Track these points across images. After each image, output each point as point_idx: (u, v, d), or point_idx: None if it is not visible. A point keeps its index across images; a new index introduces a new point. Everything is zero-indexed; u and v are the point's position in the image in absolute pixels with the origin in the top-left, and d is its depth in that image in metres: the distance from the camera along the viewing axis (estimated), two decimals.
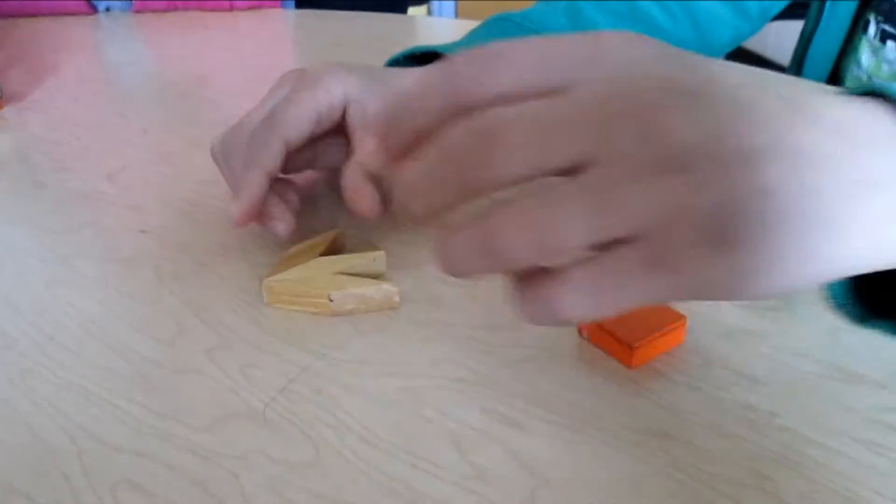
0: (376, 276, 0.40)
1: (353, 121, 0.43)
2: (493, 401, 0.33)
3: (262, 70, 0.70)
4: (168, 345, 0.37)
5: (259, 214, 0.41)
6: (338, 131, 0.43)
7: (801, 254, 0.24)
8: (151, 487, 0.29)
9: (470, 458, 0.30)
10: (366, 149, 0.41)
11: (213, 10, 0.91)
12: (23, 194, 0.51)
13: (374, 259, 0.41)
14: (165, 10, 0.91)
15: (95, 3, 0.91)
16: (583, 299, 0.23)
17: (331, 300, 0.38)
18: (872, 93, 0.27)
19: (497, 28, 0.56)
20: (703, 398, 0.32)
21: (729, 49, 0.68)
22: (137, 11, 0.91)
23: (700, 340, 0.35)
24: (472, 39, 0.54)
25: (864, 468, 0.29)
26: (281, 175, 0.43)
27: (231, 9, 0.92)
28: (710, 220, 0.22)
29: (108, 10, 0.92)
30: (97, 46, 0.82)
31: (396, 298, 0.39)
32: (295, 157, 0.42)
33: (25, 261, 0.43)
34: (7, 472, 0.30)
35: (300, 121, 0.41)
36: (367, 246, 0.44)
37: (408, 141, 0.25)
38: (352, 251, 0.42)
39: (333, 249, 0.42)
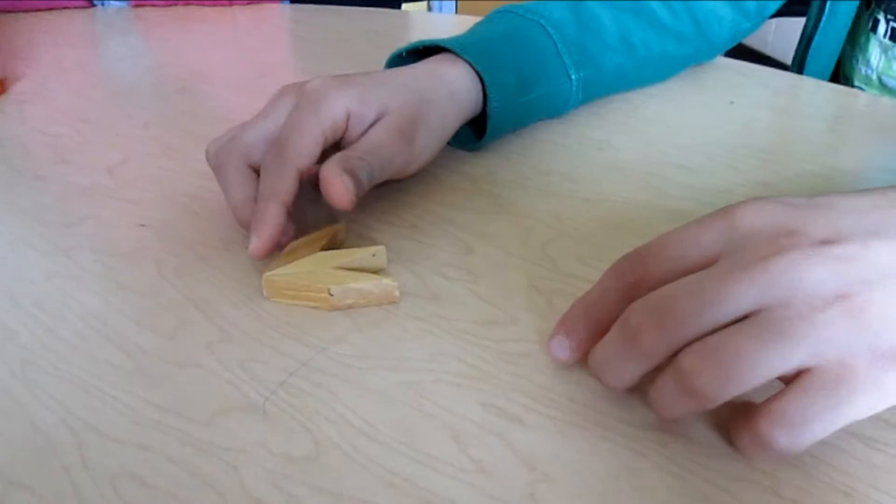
0: (376, 271, 0.40)
1: (352, 132, 0.44)
2: (492, 395, 0.33)
3: (261, 65, 0.70)
4: (168, 338, 0.37)
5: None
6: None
7: None
8: (151, 480, 0.29)
9: (469, 452, 0.30)
10: (342, 152, 0.42)
11: (212, 5, 0.91)
12: (23, 187, 0.51)
13: (373, 254, 0.41)
14: (165, 6, 0.91)
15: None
16: (794, 430, 0.27)
17: (331, 294, 0.38)
18: None
19: (501, 20, 0.56)
20: None
21: (729, 46, 0.68)
22: (136, 6, 0.91)
23: None
24: (476, 32, 0.54)
25: (862, 463, 0.29)
26: None
27: (231, 4, 0.92)
28: (878, 336, 0.26)
29: (103, 4, 0.91)
30: (97, 40, 0.82)
31: (396, 293, 0.39)
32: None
33: (26, 254, 0.43)
34: (7, 463, 0.30)
35: (309, 147, 0.41)
36: (368, 241, 0.44)
37: (594, 332, 0.32)
38: (352, 246, 0.42)
39: (334, 244, 0.42)
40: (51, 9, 0.90)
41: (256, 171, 0.43)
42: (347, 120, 0.44)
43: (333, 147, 0.44)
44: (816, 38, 0.76)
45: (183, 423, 0.32)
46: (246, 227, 0.41)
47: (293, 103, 0.44)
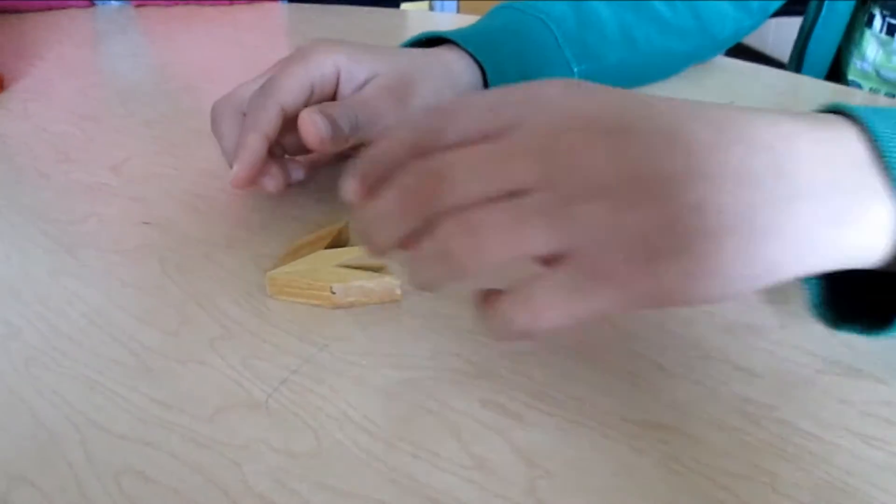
0: (378, 269, 0.40)
1: (345, 89, 0.45)
2: (493, 392, 0.33)
3: (263, 64, 0.70)
4: (171, 335, 0.37)
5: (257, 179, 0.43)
6: None
7: (736, 261, 0.26)
8: (154, 475, 0.29)
9: (470, 449, 0.30)
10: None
11: (213, 4, 0.91)
12: (27, 185, 0.51)
13: None
14: (166, 5, 0.91)
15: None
16: (536, 313, 0.27)
17: (333, 293, 0.38)
18: (837, 110, 0.29)
19: (502, 16, 0.56)
20: (700, 390, 0.33)
21: (732, 43, 0.68)
22: (138, 5, 0.91)
23: (699, 334, 0.36)
24: (478, 26, 0.55)
25: (861, 461, 0.29)
26: (288, 157, 0.46)
27: (231, 3, 0.92)
28: (639, 237, 0.26)
29: (104, 3, 0.92)
30: (99, 39, 0.82)
31: (398, 291, 0.39)
32: (295, 136, 0.42)
33: (30, 251, 0.44)
34: (11, 459, 0.30)
35: (294, 88, 0.43)
36: None
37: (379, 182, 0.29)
38: (356, 244, 0.42)
39: (338, 243, 0.43)
40: (50, 8, 0.90)
41: None
42: (337, 76, 0.45)
43: None
44: (815, 33, 0.76)
45: (186, 419, 0.32)
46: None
47: (288, 57, 0.46)
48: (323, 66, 0.44)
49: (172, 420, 0.32)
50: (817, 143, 0.28)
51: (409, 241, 0.28)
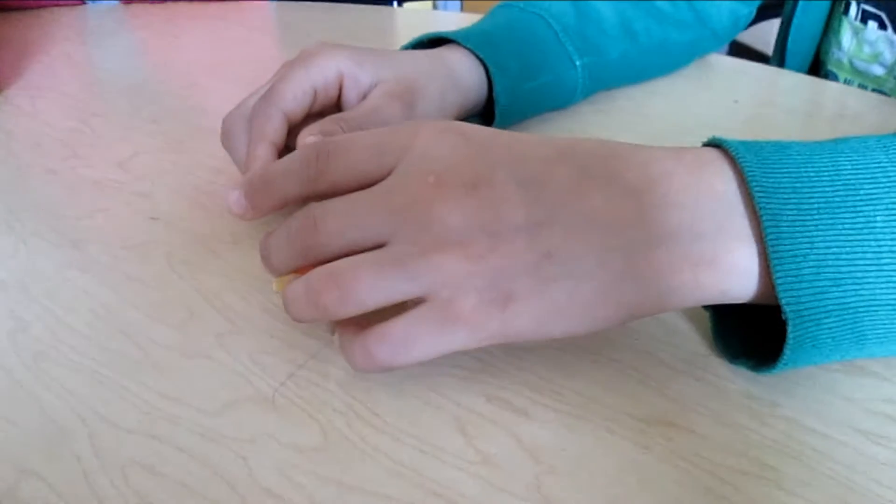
0: None
1: (348, 94, 0.45)
2: (498, 388, 0.33)
3: (259, 61, 0.70)
4: (178, 330, 0.37)
5: None
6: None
7: (592, 303, 0.29)
8: (161, 469, 0.30)
9: (476, 444, 0.30)
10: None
11: (201, 1, 0.91)
12: (34, 180, 0.52)
13: None
14: (153, 3, 0.91)
15: None
16: (394, 349, 0.29)
17: None
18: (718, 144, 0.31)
19: (502, 14, 0.56)
20: (705, 387, 0.33)
21: (733, 33, 0.68)
22: (126, 2, 0.91)
23: (704, 330, 0.36)
24: (478, 25, 0.55)
25: (865, 458, 0.29)
26: None
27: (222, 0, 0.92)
28: (490, 283, 0.28)
29: (94, 1, 0.91)
30: (97, 36, 0.83)
31: None
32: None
33: (37, 246, 0.44)
34: (20, 453, 0.30)
35: (294, 92, 0.43)
36: None
37: (269, 205, 0.34)
38: None
39: None
40: (42, 6, 0.90)
41: None
42: (341, 81, 0.45)
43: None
44: (794, 23, 0.76)
45: (193, 413, 0.32)
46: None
47: (288, 66, 0.45)
48: (326, 71, 0.44)
49: (179, 414, 0.32)
50: (686, 187, 0.29)
51: (300, 269, 0.32)
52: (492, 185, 0.29)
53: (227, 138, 0.45)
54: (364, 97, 0.45)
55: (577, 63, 0.56)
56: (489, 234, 0.28)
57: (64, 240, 0.45)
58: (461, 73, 0.50)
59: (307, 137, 0.40)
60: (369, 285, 0.29)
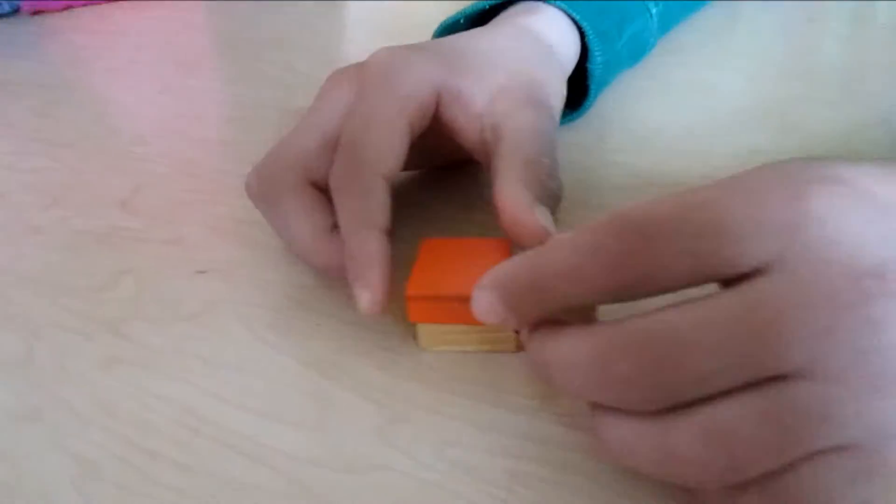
0: None
1: (449, 114, 0.33)
2: None
3: (213, 62, 0.58)
4: (319, 434, 0.26)
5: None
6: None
7: None
8: None
9: None
10: (505, 160, 0.30)
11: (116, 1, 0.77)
12: (18, 245, 0.39)
13: None
14: (62, 10, 0.76)
15: None
16: None
17: (517, 330, 0.28)
18: None
19: None
20: None
21: None
22: (35, 13, 0.75)
23: None
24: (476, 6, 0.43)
25: None
26: None
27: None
28: None
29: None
30: (23, 51, 0.68)
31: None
32: None
33: (62, 342, 0.32)
34: None
35: (392, 144, 0.30)
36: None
37: (539, 316, 0.22)
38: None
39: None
40: None
41: (322, 191, 0.32)
42: (437, 99, 0.33)
43: (424, 141, 0.33)
44: None
45: None
46: (330, 271, 0.30)
47: (354, 90, 0.32)
48: (420, 94, 0.31)
49: None
50: None
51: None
52: None
53: (271, 205, 0.32)
54: (468, 113, 0.33)
55: (653, 11, 0.46)
56: None
57: (92, 323, 0.33)
58: (558, 43, 0.39)
59: (511, 195, 0.28)
60: (766, 447, 0.19)
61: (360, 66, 0.33)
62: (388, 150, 0.30)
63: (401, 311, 0.29)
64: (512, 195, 0.28)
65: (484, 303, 0.23)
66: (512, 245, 0.30)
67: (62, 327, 0.33)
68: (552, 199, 0.30)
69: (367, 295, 0.27)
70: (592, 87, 0.41)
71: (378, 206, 0.29)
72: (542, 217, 0.28)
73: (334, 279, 0.32)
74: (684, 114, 0.44)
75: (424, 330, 0.29)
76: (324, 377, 0.28)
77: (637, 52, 0.47)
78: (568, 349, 0.21)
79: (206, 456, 0.26)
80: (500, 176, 0.30)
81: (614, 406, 0.21)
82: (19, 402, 0.29)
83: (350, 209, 0.29)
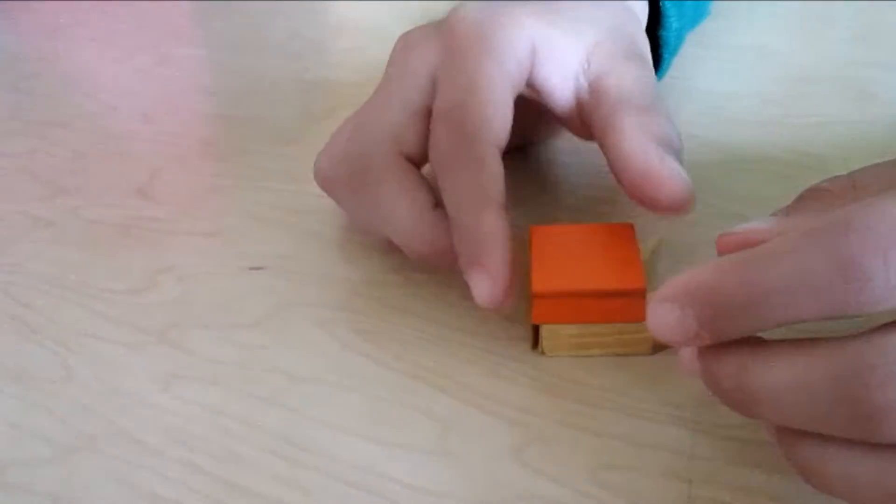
0: None
1: (547, 71, 0.29)
2: None
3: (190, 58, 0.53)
4: (443, 458, 0.22)
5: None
6: None
7: None
8: None
9: None
10: (617, 112, 0.27)
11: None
12: (26, 243, 0.33)
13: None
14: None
15: None
16: None
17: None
18: None
19: None
20: None
21: None
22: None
23: None
24: None
25: None
26: None
27: None
28: None
29: None
30: (4, 21, 0.61)
31: None
32: None
33: (102, 354, 0.27)
34: None
35: (502, 109, 0.26)
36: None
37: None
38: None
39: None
40: None
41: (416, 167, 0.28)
42: (532, 58, 0.29)
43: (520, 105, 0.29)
44: None
45: None
46: (439, 258, 0.26)
47: (439, 52, 0.28)
48: (518, 51, 0.27)
49: None
50: None
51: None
52: None
53: (358, 190, 0.28)
54: (564, 71, 0.29)
55: None
56: None
57: (137, 332, 0.28)
58: (632, 6, 0.35)
59: (641, 147, 0.25)
60: None
61: (441, 25, 0.29)
62: (496, 116, 0.26)
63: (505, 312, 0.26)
64: (637, 145, 0.25)
65: (670, 318, 0.19)
66: (635, 228, 0.26)
67: (101, 338, 0.28)
68: (676, 153, 0.26)
69: (488, 283, 0.23)
70: (666, 55, 0.38)
71: (492, 179, 0.25)
72: (677, 166, 0.25)
73: (429, 271, 0.28)
74: (749, 81, 0.41)
75: (549, 332, 0.25)
76: (437, 390, 0.25)
77: (698, 15, 0.43)
78: (790, 374, 0.18)
79: (313, 491, 0.22)
80: (613, 129, 0.26)
81: (842, 437, 0.17)
82: (66, 430, 0.24)
83: (461, 184, 0.25)
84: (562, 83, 0.29)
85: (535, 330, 0.25)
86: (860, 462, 0.17)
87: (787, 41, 0.45)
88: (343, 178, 0.28)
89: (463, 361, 0.26)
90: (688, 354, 0.20)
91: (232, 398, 0.25)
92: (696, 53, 0.44)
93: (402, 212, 0.26)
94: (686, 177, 0.24)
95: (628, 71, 0.28)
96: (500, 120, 0.26)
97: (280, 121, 0.41)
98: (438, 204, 0.26)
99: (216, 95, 0.45)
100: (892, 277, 0.16)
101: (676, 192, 0.24)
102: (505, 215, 0.24)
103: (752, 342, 0.19)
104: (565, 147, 0.36)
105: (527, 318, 0.26)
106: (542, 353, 0.25)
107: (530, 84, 0.29)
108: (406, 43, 0.29)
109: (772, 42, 0.45)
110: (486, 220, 0.24)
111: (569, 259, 0.25)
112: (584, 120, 0.29)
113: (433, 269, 0.27)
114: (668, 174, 0.24)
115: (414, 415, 0.24)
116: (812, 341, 0.18)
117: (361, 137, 0.28)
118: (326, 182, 0.29)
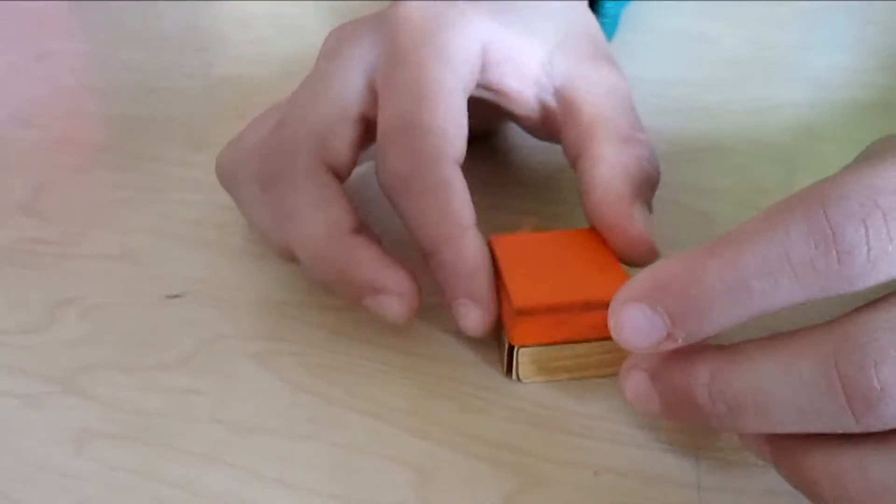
0: None
1: (500, 74, 0.26)
2: None
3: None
4: None
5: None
6: None
7: None
8: None
9: None
10: (593, 137, 0.25)
11: None
12: None
13: None
14: None
15: None
16: None
17: None
18: None
19: None
20: None
21: None
22: None
23: None
24: None
25: None
26: None
27: None
28: None
29: None
30: None
31: None
32: None
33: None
34: None
35: (458, 119, 0.24)
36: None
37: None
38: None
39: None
40: None
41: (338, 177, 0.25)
42: (483, 58, 0.26)
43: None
44: None
45: None
46: (344, 290, 0.23)
47: (377, 49, 0.25)
48: (468, 53, 0.25)
49: None
50: None
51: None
52: None
53: (266, 195, 0.24)
54: (521, 74, 0.26)
55: None
56: None
57: (36, 380, 0.23)
58: None
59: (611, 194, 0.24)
60: None
61: (380, 19, 0.26)
62: (454, 131, 0.23)
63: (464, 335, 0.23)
64: (611, 191, 0.23)
65: (639, 320, 0.17)
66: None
67: (10, 394, 0.23)
68: (652, 188, 0.24)
69: (477, 313, 0.22)
70: (605, 25, 0.35)
71: (462, 203, 0.23)
72: (645, 225, 0.23)
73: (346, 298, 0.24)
74: (688, 67, 0.40)
75: (528, 356, 0.22)
76: (406, 432, 0.21)
77: None
78: (774, 369, 0.16)
79: None
80: (589, 156, 0.24)
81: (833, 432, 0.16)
82: None
83: (429, 213, 0.22)
84: (520, 86, 0.27)
85: (510, 353, 0.22)
86: (852, 457, 0.16)
87: (718, 25, 0.44)
88: (251, 172, 0.25)
89: (431, 394, 0.23)
90: (633, 380, 0.19)
91: (162, 457, 0.21)
92: (629, 39, 0.42)
93: (316, 229, 0.23)
94: (651, 238, 0.23)
95: (600, 78, 0.26)
96: (458, 134, 0.24)
97: (185, 122, 0.36)
98: (359, 229, 0.23)
99: (107, 95, 0.40)
100: (874, 246, 0.15)
101: (641, 253, 0.23)
102: (481, 238, 0.23)
103: (718, 349, 0.18)
104: (512, 143, 0.33)
105: (496, 339, 0.23)
106: (518, 379, 0.23)
107: (484, 86, 0.27)
108: (339, 36, 0.26)
109: (701, 25, 0.44)
110: (466, 252, 0.22)
111: (543, 270, 0.23)
112: (551, 129, 0.27)
113: (335, 295, 0.24)
114: (635, 234, 0.23)
115: (384, 463, 0.21)
116: (790, 333, 0.17)
117: (282, 135, 0.24)
118: (228, 176, 0.26)
